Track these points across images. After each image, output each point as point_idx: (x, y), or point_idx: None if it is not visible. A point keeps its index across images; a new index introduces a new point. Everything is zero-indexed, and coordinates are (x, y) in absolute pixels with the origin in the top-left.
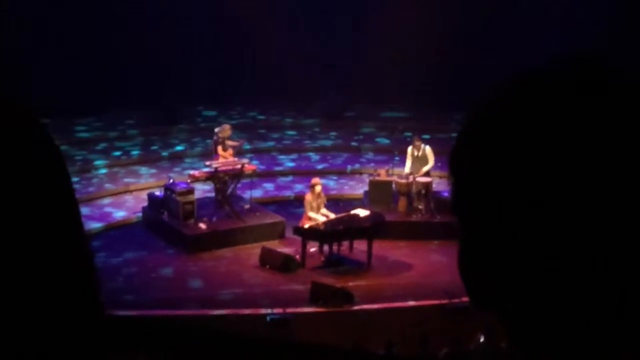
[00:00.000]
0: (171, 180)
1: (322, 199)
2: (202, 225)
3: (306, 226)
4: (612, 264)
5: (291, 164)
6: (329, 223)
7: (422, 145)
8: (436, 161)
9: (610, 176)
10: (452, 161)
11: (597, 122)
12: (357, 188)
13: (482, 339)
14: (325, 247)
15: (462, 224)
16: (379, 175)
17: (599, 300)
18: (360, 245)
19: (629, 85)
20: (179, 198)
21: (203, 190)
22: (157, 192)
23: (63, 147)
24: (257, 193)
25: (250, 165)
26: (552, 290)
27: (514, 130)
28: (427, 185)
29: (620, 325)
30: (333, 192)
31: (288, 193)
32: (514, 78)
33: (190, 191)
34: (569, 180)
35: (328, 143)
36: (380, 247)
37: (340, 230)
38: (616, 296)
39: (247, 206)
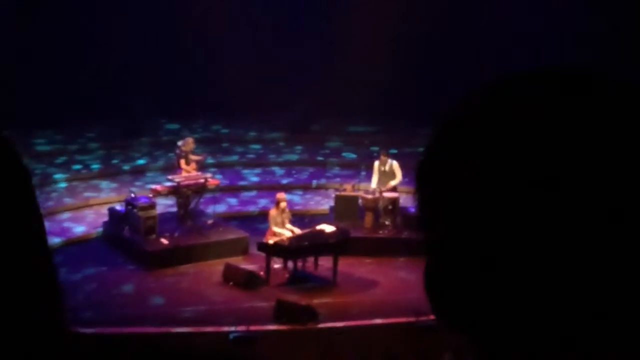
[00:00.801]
0: (132, 195)
1: (287, 215)
2: (164, 241)
3: (270, 242)
4: (585, 286)
5: (255, 179)
6: (294, 239)
7: (389, 160)
8: (403, 176)
9: (590, 189)
10: (419, 176)
11: (571, 134)
12: (323, 203)
13: (449, 359)
14: (290, 264)
15: (429, 241)
16: (345, 190)
17: (570, 320)
18: (326, 262)
19: (611, 88)
20: (140, 213)
21: (165, 205)
22: (118, 207)
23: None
24: (220, 208)
25: (213, 179)
26: (522, 309)
27: (485, 142)
28: (394, 201)
29: (593, 345)
30: (298, 208)
31: (252, 208)
32: (480, 89)
33: (152, 206)
34: (543, 193)
35: (293, 157)
36: (346, 264)
37: (305, 247)
38: (589, 314)
39: (210, 221)
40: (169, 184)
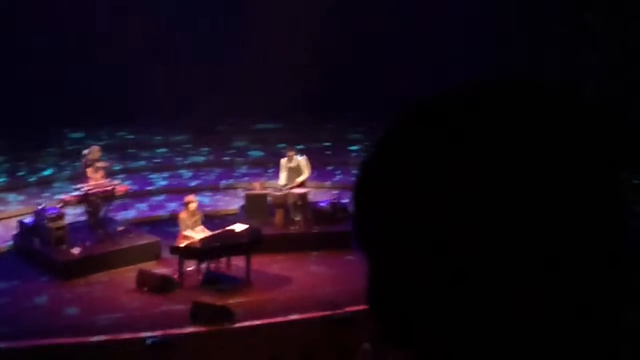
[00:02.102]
0: (40, 206)
1: (198, 217)
2: (75, 251)
3: (182, 245)
4: (534, 297)
5: (164, 182)
6: (205, 240)
7: (296, 156)
8: (312, 171)
9: (535, 195)
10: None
11: (518, 137)
12: (232, 203)
13: (367, 348)
14: (203, 265)
15: (369, 256)
16: (253, 188)
17: (522, 333)
18: (239, 261)
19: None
20: (49, 224)
21: (75, 214)
22: (27, 219)
23: None
24: (130, 214)
25: (122, 186)
26: (469, 323)
27: (424, 158)
28: (303, 196)
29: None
30: (208, 209)
31: (162, 212)
32: (424, 100)
33: (61, 216)
34: (488, 201)
35: (200, 159)
36: (259, 262)
37: (217, 247)
38: (544, 332)
39: (120, 228)
40: (77, 193)
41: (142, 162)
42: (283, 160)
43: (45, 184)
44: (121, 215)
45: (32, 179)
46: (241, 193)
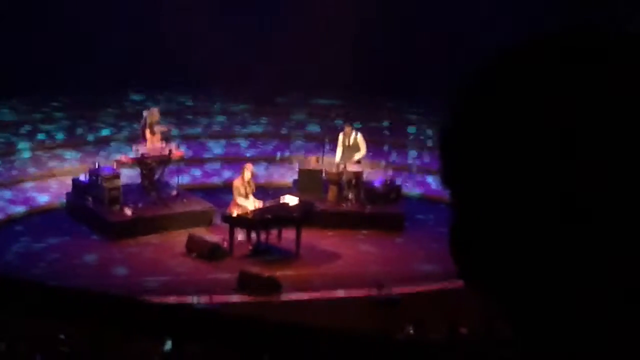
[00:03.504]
0: (97, 165)
1: (252, 186)
2: (128, 212)
3: (234, 214)
4: (617, 248)
5: (220, 151)
6: (257, 211)
7: (354, 134)
8: (367, 150)
9: (620, 149)
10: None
11: (600, 88)
12: (287, 176)
13: (411, 331)
14: (254, 235)
15: (454, 198)
16: (308, 163)
17: (602, 287)
18: (289, 234)
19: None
20: (104, 184)
21: (129, 176)
22: (82, 177)
23: None
24: (184, 179)
25: (178, 151)
26: (550, 269)
27: (513, 101)
28: (358, 175)
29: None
30: (262, 180)
31: (216, 180)
32: (507, 50)
33: (116, 176)
34: (571, 152)
35: (258, 129)
36: (309, 236)
37: (268, 219)
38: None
39: (174, 193)
40: (133, 155)
41: (199, 129)
42: (340, 137)
43: (102, 143)
44: (175, 180)
45: (90, 137)
46: (296, 167)
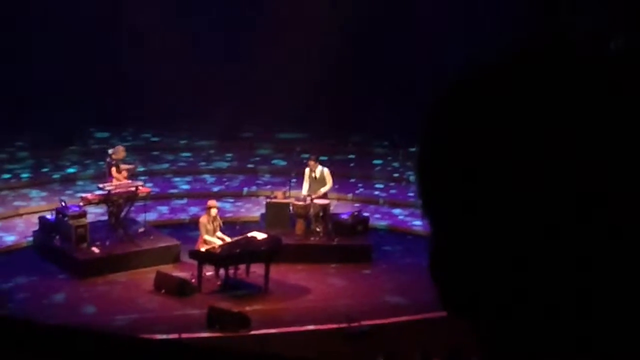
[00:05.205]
0: (63, 204)
1: (218, 222)
2: (95, 250)
3: (202, 250)
4: (600, 262)
5: (186, 187)
6: (225, 246)
7: (319, 167)
8: (333, 183)
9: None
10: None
11: (579, 94)
12: (254, 210)
13: None
14: (222, 271)
15: (433, 221)
16: (275, 197)
17: (585, 305)
18: (258, 269)
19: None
20: (71, 222)
21: (96, 213)
22: (49, 216)
23: None
24: (151, 216)
25: (144, 187)
26: (531, 291)
27: (491, 115)
28: (325, 208)
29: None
30: (229, 215)
31: (183, 216)
32: (482, 65)
33: (83, 214)
34: (552, 168)
35: (224, 165)
36: (278, 271)
37: (236, 254)
38: (608, 298)
39: (141, 229)
40: (99, 192)
41: (166, 165)
42: (306, 171)
43: (68, 181)
44: (142, 217)
45: (56, 176)
46: (263, 201)
